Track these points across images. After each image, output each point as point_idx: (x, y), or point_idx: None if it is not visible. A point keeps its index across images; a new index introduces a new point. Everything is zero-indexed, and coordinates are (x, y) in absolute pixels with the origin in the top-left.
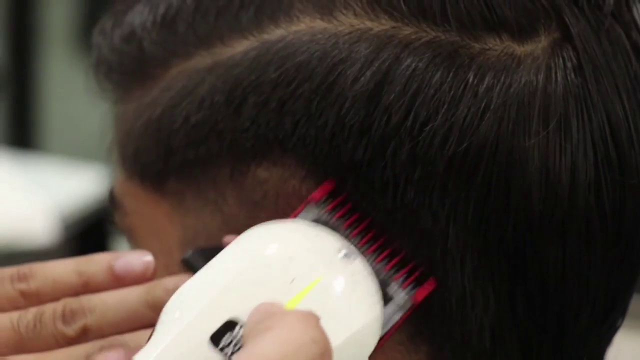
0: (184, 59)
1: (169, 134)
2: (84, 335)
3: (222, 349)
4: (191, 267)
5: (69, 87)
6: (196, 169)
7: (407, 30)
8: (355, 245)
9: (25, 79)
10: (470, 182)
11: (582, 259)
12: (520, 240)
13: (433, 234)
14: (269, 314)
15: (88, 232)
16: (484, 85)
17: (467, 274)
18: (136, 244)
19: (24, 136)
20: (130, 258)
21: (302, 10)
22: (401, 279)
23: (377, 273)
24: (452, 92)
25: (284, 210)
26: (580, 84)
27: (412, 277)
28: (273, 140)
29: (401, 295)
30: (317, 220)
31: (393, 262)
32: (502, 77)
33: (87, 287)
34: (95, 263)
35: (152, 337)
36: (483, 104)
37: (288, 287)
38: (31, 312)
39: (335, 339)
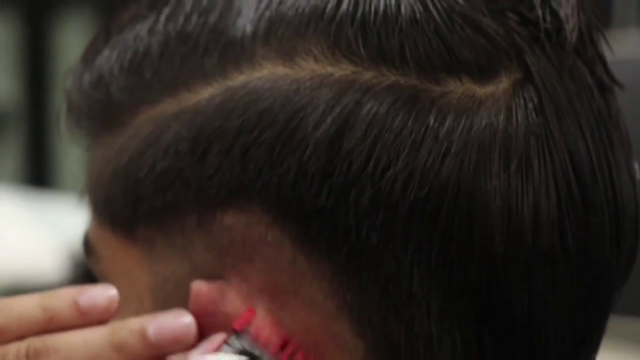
0: (151, 105)
1: (136, 181)
2: None
3: None
4: None
5: None
6: (164, 216)
7: (367, 75)
8: None
9: (39, 117)
10: (433, 226)
11: (548, 299)
12: (485, 282)
13: (397, 278)
14: None
15: None
16: (445, 129)
17: (433, 317)
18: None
19: (37, 174)
20: (95, 293)
21: (264, 56)
22: None
23: None
24: (413, 136)
25: (250, 256)
26: (541, 123)
27: None
28: (238, 187)
29: None
30: (242, 352)
31: None
32: (463, 120)
33: (52, 323)
34: (59, 298)
35: None
36: (444, 147)
37: None
38: None
39: None
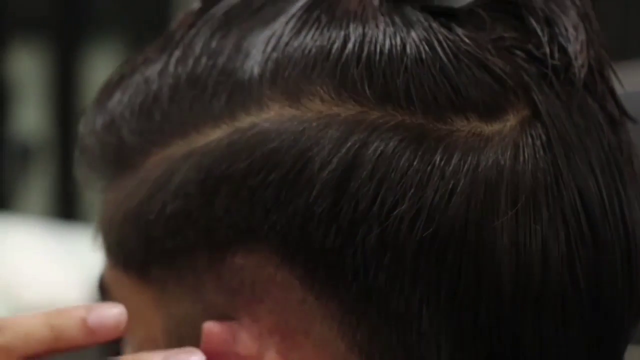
0: (162, 148)
1: (147, 223)
2: None
3: None
4: None
5: None
6: (176, 258)
7: (373, 115)
8: None
9: (67, 150)
10: (441, 265)
11: (560, 339)
12: (494, 321)
13: (407, 318)
14: None
15: None
16: (451, 167)
17: (443, 357)
18: (124, 331)
19: (64, 207)
20: (103, 311)
21: (271, 97)
22: None
23: None
24: (419, 175)
25: (260, 297)
26: (549, 161)
27: None
28: (246, 229)
29: None
30: None
31: None
32: (469, 158)
33: (60, 341)
34: (67, 316)
35: None
36: (450, 186)
37: None
38: None
39: None
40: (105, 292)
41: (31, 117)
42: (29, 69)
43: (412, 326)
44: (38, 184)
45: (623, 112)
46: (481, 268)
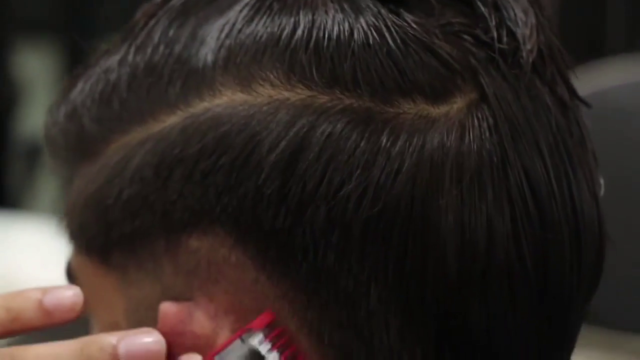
0: (121, 135)
1: (105, 208)
2: None
3: None
4: None
5: None
6: (134, 242)
7: (322, 99)
8: None
9: None
10: (387, 244)
11: (508, 315)
12: (441, 298)
13: (356, 296)
14: None
15: None
16: (397, 148)
17: (392, 334)
18: (90, 315)
19: None
20: (59, 293)
21: (223, 83)
22: None
23: None
24: (366, 156)
25: (215, 277)
26: (496, 142)
27: None
28: (200, 212)
29: None
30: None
31: None
32: (415, 139)
33: (16, 323)
34: (24, 298)
35: None
36: (396, 166)
37: None
38: None
39: None
40: (72, 278)
41: (40, 117)
42: (37, 69)
43: (361, 304)
44: (46, 184)
45: (574, 95)
46: (427, 246)
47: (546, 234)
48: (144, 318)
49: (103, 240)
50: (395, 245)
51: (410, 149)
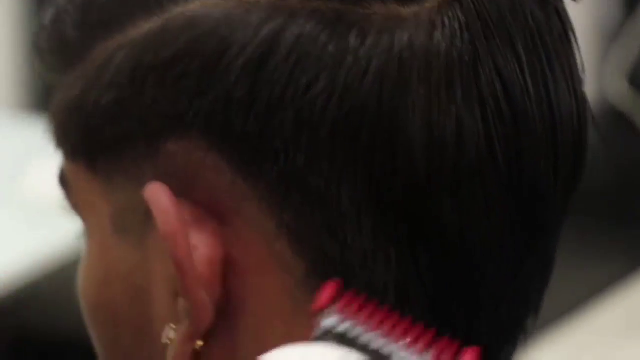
0: (103, 42)
1: (86, 115)
2: None
3: None
4: None
5: None
6: (117, 148)
7: (292, 1)
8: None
9: None
10: (356, 145)
11: (480, 213)
12: (411, 198)
13: (327, 198)
14: None
15: None
16: (365, 48)
17: (366, 235)
18: (82, 221)
19: None
20: None
21: None
22: None
23: None
24: (333, 57)
25: (194, 180)
26: (466, 40)
27: None
28: (175, 117)
29: None
30: (342, 340)
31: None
32: (384, 39)
33: None
34: None
35: None
36: (364, 66)
37: None
38: None
39: None
40: (64, 183)
41: None
42: None
43: (333, 206)
44: None
45: None
46: (395, 145)
47: (519, 131)
48: (129, 221)
49: (86, 146)
50: (363, 145)
51: (379, 49)
